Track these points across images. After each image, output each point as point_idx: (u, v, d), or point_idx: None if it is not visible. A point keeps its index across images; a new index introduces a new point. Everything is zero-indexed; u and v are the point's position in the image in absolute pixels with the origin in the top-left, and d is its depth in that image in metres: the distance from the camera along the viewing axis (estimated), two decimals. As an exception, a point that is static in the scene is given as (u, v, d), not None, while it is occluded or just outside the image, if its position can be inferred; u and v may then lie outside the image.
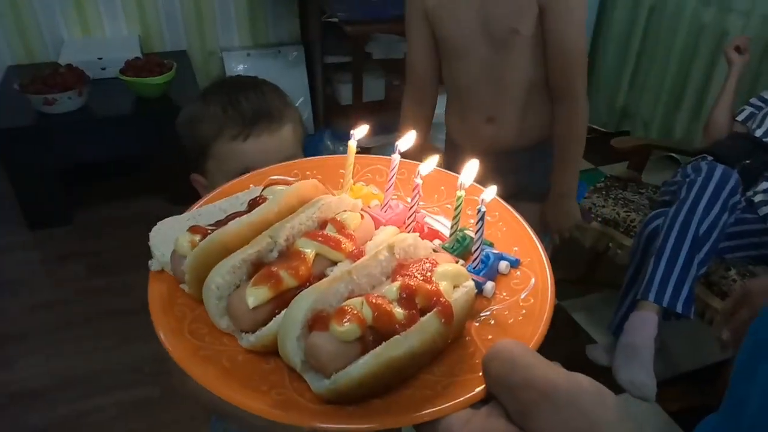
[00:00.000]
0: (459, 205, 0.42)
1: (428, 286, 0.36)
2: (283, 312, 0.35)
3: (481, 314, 0.41)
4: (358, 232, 0.41)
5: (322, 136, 2.88)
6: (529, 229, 0.48)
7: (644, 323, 1.57)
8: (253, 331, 0.36)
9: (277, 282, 0.36)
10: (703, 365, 2.06)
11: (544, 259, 0.45)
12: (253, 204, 0.43)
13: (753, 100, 2.10)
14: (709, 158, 1.93)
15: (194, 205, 0.49)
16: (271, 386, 0.34)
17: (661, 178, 2.23)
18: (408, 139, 0.48)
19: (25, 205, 2.66)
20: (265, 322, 0.36)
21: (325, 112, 3.36)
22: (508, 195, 1.61)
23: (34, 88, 2.45)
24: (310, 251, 0.38)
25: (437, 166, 0.48)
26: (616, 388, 1.96)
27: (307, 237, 0.39)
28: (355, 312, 0.33)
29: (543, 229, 1.55)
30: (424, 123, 1.56)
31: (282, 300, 0.36)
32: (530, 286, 0.43)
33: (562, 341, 2.15)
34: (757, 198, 1.80)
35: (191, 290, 0.39)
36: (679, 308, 1.59)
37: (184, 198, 2.68)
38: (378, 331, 0.33)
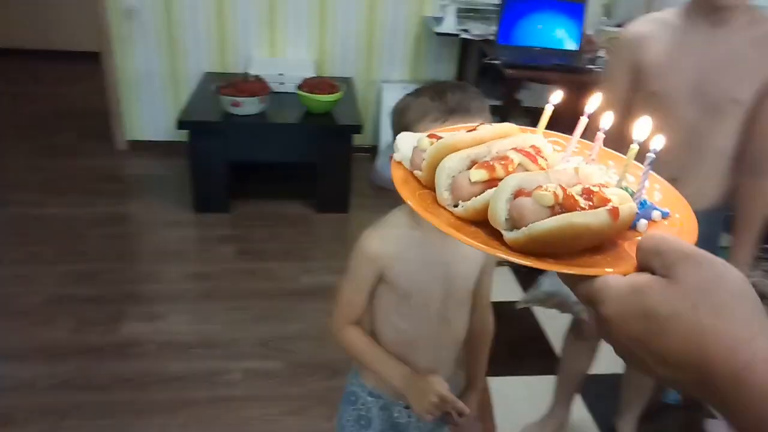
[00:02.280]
0: (631, 156, 0.50)
1: (603, 194, 0.46)
2: (494, 188, 0.46)
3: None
4: (549, 159, 0.52)
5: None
6: (680, 196, 0.55)
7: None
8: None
9: (492, 169, 0.47)
10: None
11: (692, 215, 0.52)
12: (470, 129, 0.55)
13: None
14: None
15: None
16: (474, 236, 0.46)
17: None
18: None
19: (196, 189, 3.06)
20: (478, 195, 0.47)
21: (468, 150, 3.52)
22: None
23: (227, 91, 2.86)
24: (515, 158, 0.49)
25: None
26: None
27: (514, 149, 0.50)
28: (551, 189, 0.44)
29: None
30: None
31: (491, 184, 0.47)
32: (677, 228, 0.50)
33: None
34: None
35: (424, 174, 0.51)
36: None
37: (328, 205, 2.98)
38: (564, 208, 0.43)
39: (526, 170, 0.49)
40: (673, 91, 1.29)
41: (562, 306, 1.64)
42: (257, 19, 3.49)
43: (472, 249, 1.21)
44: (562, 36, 2.90)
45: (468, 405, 1.25)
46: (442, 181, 0.49)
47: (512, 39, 2.90)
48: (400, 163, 0.55)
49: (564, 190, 0.44)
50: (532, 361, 2.25)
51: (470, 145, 0.51)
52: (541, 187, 0.44)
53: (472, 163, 0.49)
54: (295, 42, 3.57)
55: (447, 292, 1.08)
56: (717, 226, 1.52)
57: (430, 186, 0.52)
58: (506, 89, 3.21)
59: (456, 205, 0.48)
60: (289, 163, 3.23)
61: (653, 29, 1.31)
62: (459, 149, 0.50)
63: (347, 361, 2.17)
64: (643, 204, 0.53)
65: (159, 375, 2.09)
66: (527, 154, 0.50)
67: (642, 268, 0.42)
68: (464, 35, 3.13)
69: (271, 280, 2.61)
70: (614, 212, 0.44)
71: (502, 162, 0.48)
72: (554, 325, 1.91)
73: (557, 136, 0.68)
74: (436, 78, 3.73)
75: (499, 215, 0.45)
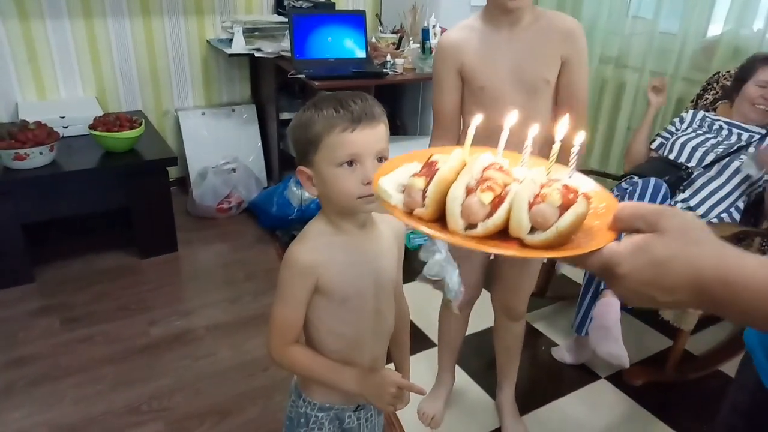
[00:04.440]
0: (554, 154, 0.65)
1: (571, 187, 0.60)
2: (506, 204, 0.58)
3: None
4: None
5: (287, 183, 3.08)
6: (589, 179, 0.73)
7: (610, 307, 1.88)
8: (483, 221, 0.58)
9: (493, 190, 0.59)
10: (647, 355, 2.41)
11: (608, 193, 0.69)
12: (428, 164, 0.66)
13: (662, 132, 2.57)
14: (636, 178, 2.33)
15: (378, 174, 0.69)
16: (502, 249, 0.58)
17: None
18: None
19: (-14, 265, 2.62)
20: (488, 216, 0.58)
21: (280, 164, 3.58)
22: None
23: (5, 144, 2.49)
24: (498, 177, 0.61)
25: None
26: (580, 379, 2.25)
27: (492, 170, 0.62)
28: (554, 193, 0.57)
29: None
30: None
31: (493, 204, 0.59)
32: (605, 204, 0.66)
33: (530, 346, 2.42)
34: (678, 206, 2.21)
35: (428, 210, 0.60)
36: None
37: (153, 249, 2.86)
38: (564, 205, 0.56)
39: (507, 184, 0.62)
40: (497, 83, 1.52)
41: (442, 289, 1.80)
42: (13, 60, 3.06)
43: (390, 244, 1.29)
44: (351, 46, 3.12)
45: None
46: (455, 209, 0.59)
47: (307, 53, 3.03)
48: (395, 206, 0.63)
49: (559, 191, 0.58)
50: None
51: (456, 177, 0.62)
52: (543, 194, 0.57)
53: (467, 190, 0.60)
54: (67, 80, 3.23)
55: (377, 287, 1.15)
56: None
57: (432, 219, 0.62)
58: (307, 101, 3.34)
59: (468, 228, 0.59)
60: (96, 212, 2.93)
61: (465, 35, 1.53)
62: (451, 182, 0.61)
63: (233, 398, 2.13)
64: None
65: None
66: (503, 171, 0.63)
67: (626, 231, 0.55)
68: (258, 54, 3.17)
69: (115, 342, 2.38)
70: (587, 197, 0.59)
71: (495, 182, 0.60)
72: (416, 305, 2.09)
73: (482, 148, 0.82)
74: (233, 102, 3.71)
75: (524, 225, 0.56)
